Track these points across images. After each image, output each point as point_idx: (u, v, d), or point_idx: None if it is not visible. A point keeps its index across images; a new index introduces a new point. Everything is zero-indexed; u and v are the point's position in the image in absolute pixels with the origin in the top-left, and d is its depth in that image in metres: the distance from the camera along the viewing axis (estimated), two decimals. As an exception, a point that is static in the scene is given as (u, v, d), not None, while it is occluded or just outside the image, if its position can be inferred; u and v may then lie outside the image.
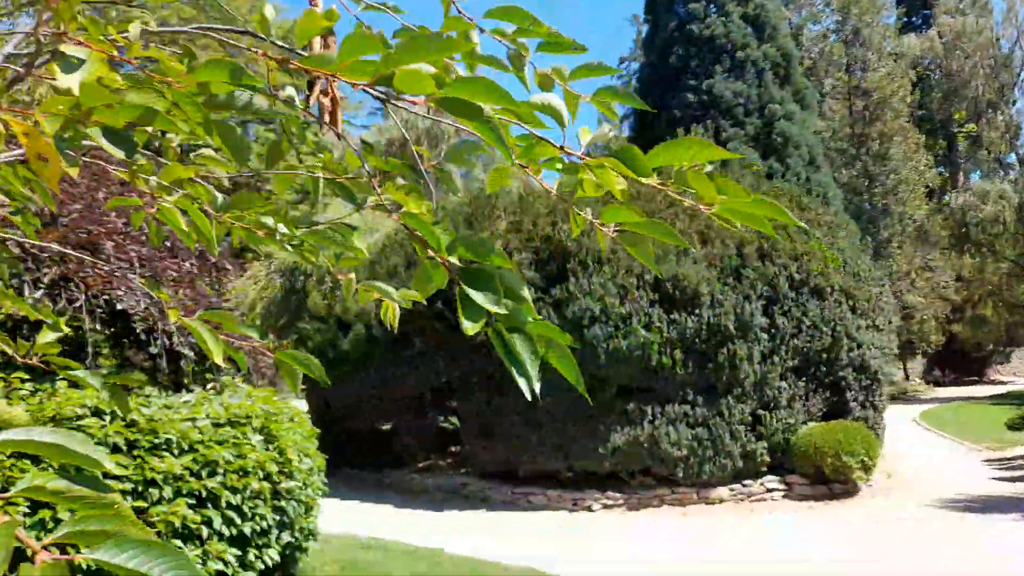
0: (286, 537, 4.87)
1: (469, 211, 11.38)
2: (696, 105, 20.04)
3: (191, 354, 4.73)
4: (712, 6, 23.06)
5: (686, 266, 9.76)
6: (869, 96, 30.44)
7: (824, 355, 10.25)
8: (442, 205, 13.40)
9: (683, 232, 10.34)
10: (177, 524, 3.91)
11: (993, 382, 29.44)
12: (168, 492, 3.96)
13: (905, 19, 35.61)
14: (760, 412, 9.96)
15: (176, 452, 4.14)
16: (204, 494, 4.13)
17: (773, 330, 9.94)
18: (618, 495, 9.83)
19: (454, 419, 12.57)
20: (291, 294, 15.37)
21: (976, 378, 29.94)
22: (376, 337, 12.03)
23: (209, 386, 5.18)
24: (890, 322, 11.74)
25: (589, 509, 9.67)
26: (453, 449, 12.99)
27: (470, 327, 0.98)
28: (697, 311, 9.70)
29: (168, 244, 6.02)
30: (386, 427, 12.83)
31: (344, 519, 9.78)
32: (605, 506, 9.71)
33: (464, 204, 12.02)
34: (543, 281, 10.31)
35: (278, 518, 4.73)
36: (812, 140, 21.07)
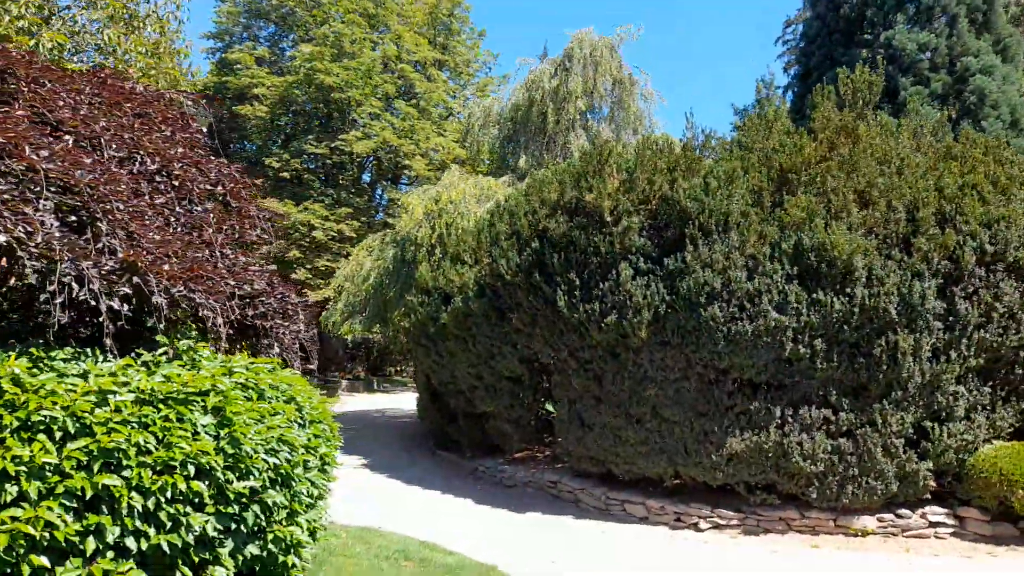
0: (253, 550, 3.81)
1: (577, 169, 9.94)
2: (871, 61, 17.16)
3: (125, 308, 3.74)
4: None
5: (837, 233, 7.77)
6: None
7: (1022, 354, 7.86)
8: (551, 167, 12.07)
9: (836, 191, 8.32)
10: (37, 534, 2.91)
11: None
12: (33, 490, 2.98)
13: None
14: (927, 424, 7.79)
15: (59, 436, 3.16)
16: (92, 494, 3.12)
17: (951, 318, 7.71)
18: (732, 514, 8.06)
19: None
20: (402, 265, 14.69)
21: None
22: (473, 311, 10.96)
23: (160, 351, 4.21)
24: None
25: (696, 527, 7.99)
26: (553, 440, 11.68)
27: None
28: (848, 290, 7.69)
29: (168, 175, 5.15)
30: (485, 410, 11.75)
31: (408, 513, 8.81)
32: (716, 525, 7.98)
33: (572, 164, 10.60)
34: (656, 250, 8.70)
35: (231, 526, 3.67)
36: (1016, 99, 17.50)
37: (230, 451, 3.62)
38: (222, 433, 3.66)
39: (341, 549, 5.89)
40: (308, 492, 4.37)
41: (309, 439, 4.54)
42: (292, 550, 4.14)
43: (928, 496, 8.01)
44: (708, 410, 8.19)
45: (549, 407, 11.28)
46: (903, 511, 7.77)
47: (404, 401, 24.33)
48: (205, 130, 5.97)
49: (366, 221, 26.78)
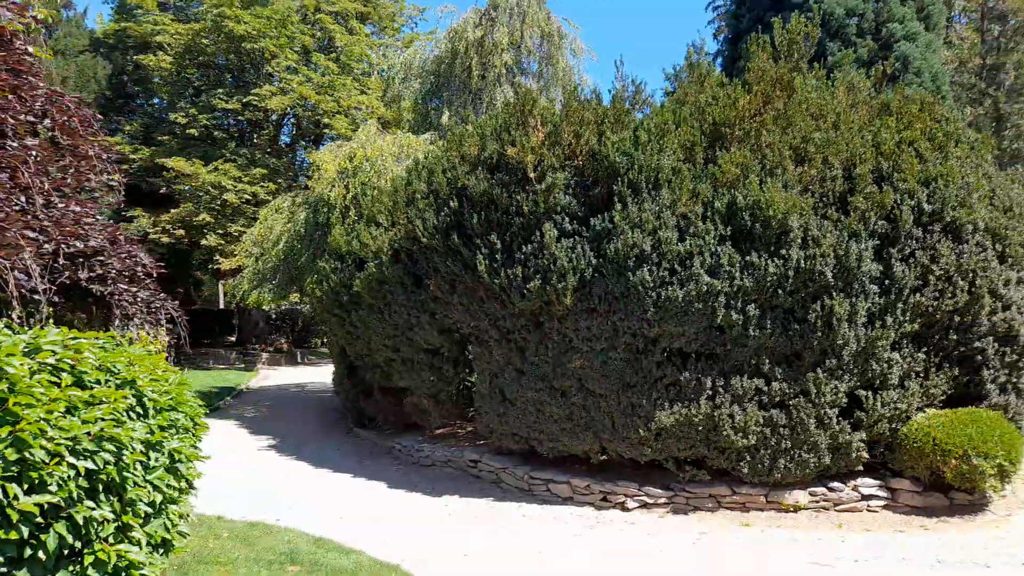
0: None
1: (500, 122, 9.14)
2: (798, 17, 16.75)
3: None
4: None
5: (772, 191, 7.24)
6: (1006, 21, 26.10)
7: (956, 318, 7.57)
8: (472, 121, 11.23)
9: (771, 146, 7.79)
10: None
11: None
12: None
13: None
14: (860, 393, 7.44)
15: None
16: None
17: (887, 281, 7.33)
18: (660, 492, 7.58)
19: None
20: (315, 228, 13.62)
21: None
22: (388, 278, 10.10)
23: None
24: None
25: (623, 507, 7.49)
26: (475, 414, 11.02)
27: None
28: (783, 252, 7.20)
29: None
30: (403, 384, 10.97)
31: (311, 502, 8.00)
32: (644, 504, 7.50)
33: (494, 116, 9.78)
34: (582, 209, 8.03)
35: (22, 554, 2.81)
36: (937, 66, 17.53)
37: (12, 457, 2.75)
38: (1, 434, 2.77)
39: (217, 554, 5.06)
40: (149, 499, 3.53)
41: (152, 432, 3.67)
42: (124, 573, 3.29)
43: (860, 468, 7.71)
44: (636, 382, 7.64)
45: (474, 379, 10.61)
46: (835, 484, 7.44)
47: (328, 374, 23.29)
48: (35, 53, 4.87)
49: (285, 184, 25.24)
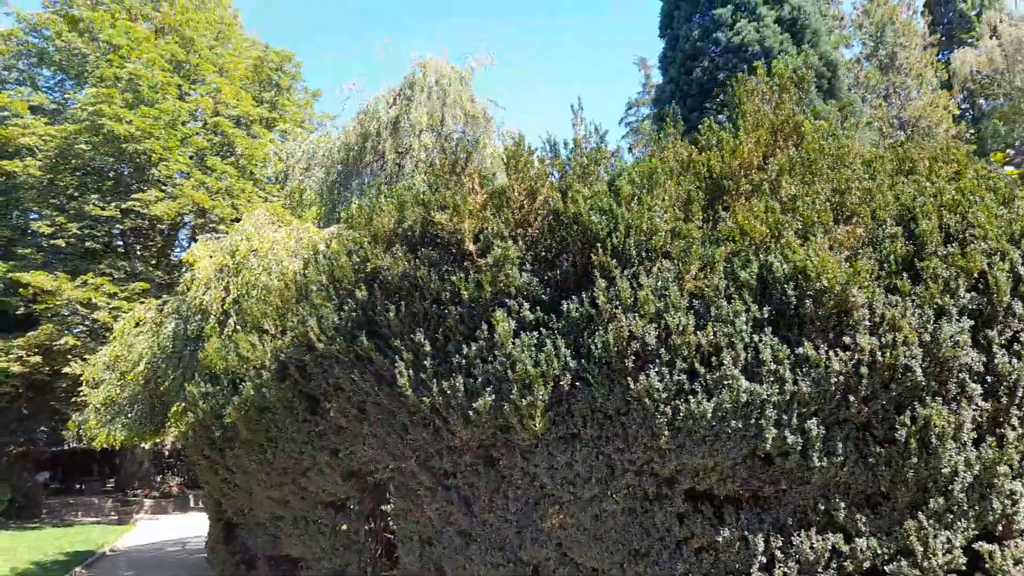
0: None
1: (429, 182, 6.82)
2: (726, 122, 15.62)
3: None
4: (740, 11, 19.43)
5: (819, 253, 5.04)
6: (912, 126, 26.63)
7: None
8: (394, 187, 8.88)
9: (799, 199, 5.68)
10: None
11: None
12: None
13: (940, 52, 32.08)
14: (979, 547, 5.02)
15: None
16: None
17: (990, 377, 5.11)
18: None
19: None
20: (185, 343, 10.64)
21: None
22: (271, 402, 7.26)
23: None
24: None
25: None
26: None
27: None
28: (847, 339, 4.92)
29: None
30: (296, 553, 7.88)
31: None
32: None
33: (412, 185, 7.46)
34: (546, 291, 5.61)
35: None
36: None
37: None
38: None
39: None
40: None
41: None
42: None
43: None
44: (648, 547, 4.98)
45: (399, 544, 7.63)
46: None
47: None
48: None
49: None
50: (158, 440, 17.83)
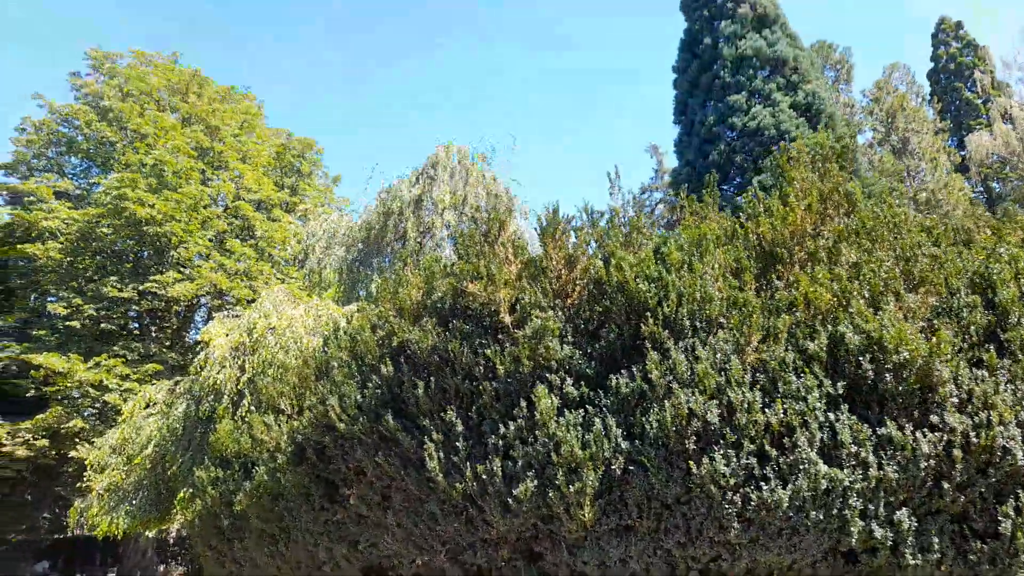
0: None
1: (459, 252, 6.48)
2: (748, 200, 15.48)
3: None
4: (755, 97, 19.72)
5: (895, 322, 4.57)
6: (932, 207, 26.56)
7: None
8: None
9: (865, 264, 5.26)
10: None
11: None
12: None
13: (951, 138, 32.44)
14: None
15: None
16: None
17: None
18: None
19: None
20: (197, 425, 10.13)
21: None
22: (286, 488, 6.70)
23: None
24: None
25: None
26: None
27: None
28: (935, 416, 4.38)
29: None
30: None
31: None
32: None
33: (439, 258, 7.14)
34: (590, 364, 5.13)
35: None
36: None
37: None
38: None
39: None
40: None
41: None
42: None
43: None
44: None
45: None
46: None
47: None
48: None
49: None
50: (163, 527, 17.01)
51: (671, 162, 29.72)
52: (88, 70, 24.49)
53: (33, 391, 20.13)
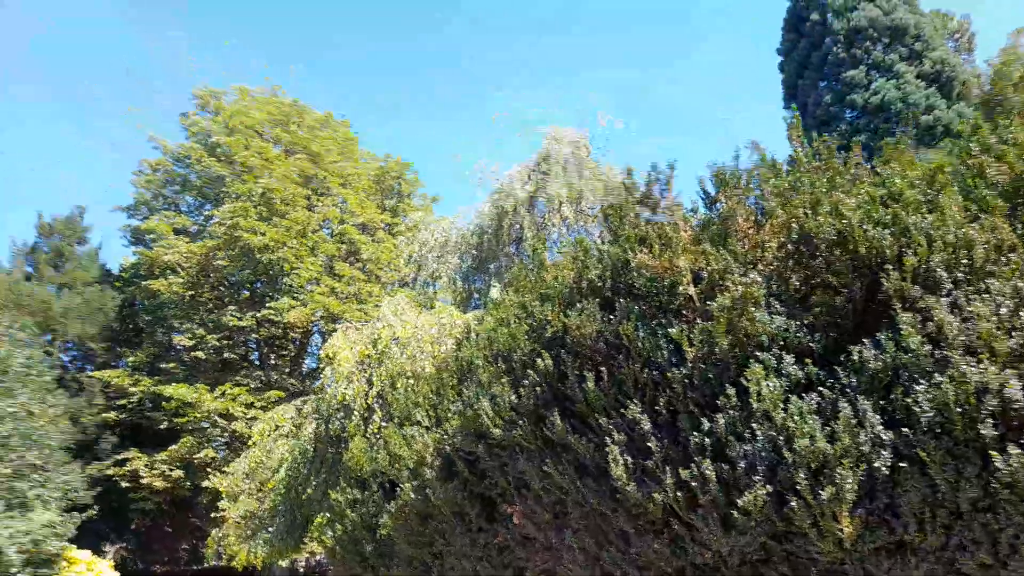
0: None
1: (614, 224, 5.58)
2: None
3: None
4: (875, 71, 17.89)
5: None
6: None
7: None
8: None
9: None
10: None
11: None
12: None
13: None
14: None
15: None
16: None
17: None
18: None
19: None
20: (327, 445, 9.62)
21: None
22: (436, 506, 5.93)
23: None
24: None
25: None
26: None
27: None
28: None
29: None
30: None
31: None
32: None
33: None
34: (816, 337, 4.06)
35: None
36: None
37: None
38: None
39: None
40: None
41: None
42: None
43: None
44: None
45: None
46: None
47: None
48: None
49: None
50: (295, 556, 16.84)
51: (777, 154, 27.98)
52: (195, 108, 25.28)
53: (165, 423, 20.66)
